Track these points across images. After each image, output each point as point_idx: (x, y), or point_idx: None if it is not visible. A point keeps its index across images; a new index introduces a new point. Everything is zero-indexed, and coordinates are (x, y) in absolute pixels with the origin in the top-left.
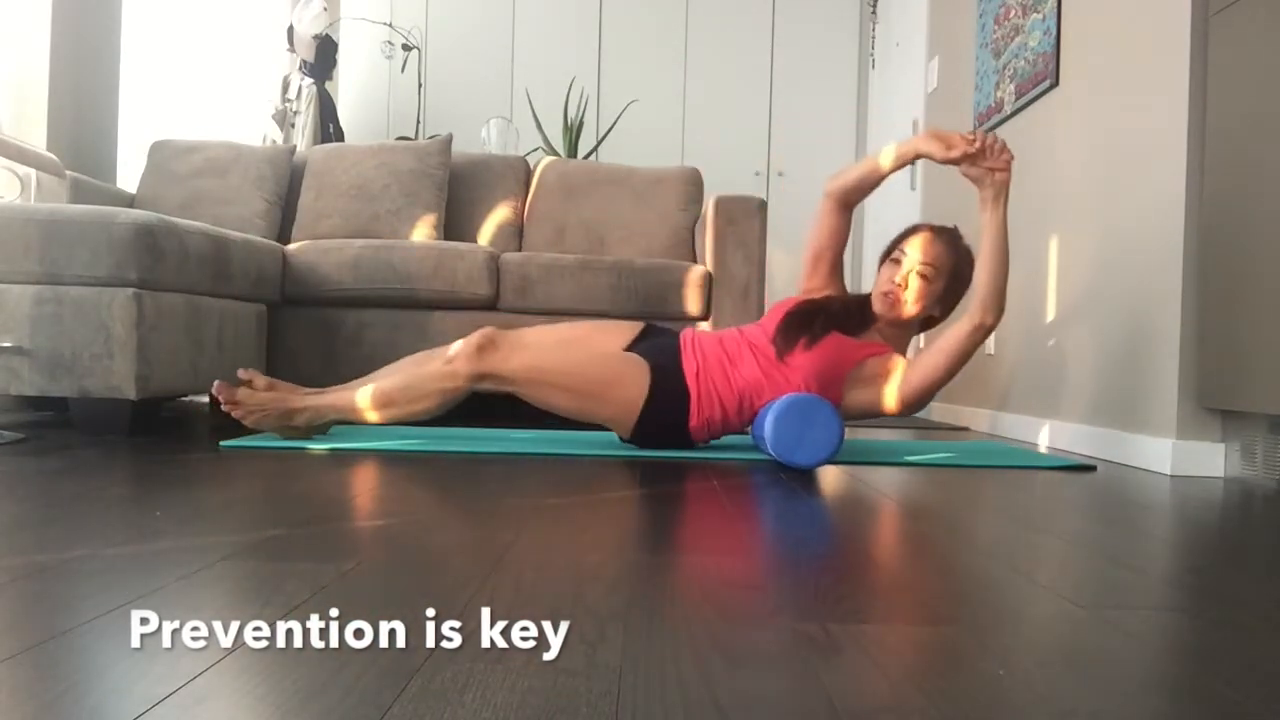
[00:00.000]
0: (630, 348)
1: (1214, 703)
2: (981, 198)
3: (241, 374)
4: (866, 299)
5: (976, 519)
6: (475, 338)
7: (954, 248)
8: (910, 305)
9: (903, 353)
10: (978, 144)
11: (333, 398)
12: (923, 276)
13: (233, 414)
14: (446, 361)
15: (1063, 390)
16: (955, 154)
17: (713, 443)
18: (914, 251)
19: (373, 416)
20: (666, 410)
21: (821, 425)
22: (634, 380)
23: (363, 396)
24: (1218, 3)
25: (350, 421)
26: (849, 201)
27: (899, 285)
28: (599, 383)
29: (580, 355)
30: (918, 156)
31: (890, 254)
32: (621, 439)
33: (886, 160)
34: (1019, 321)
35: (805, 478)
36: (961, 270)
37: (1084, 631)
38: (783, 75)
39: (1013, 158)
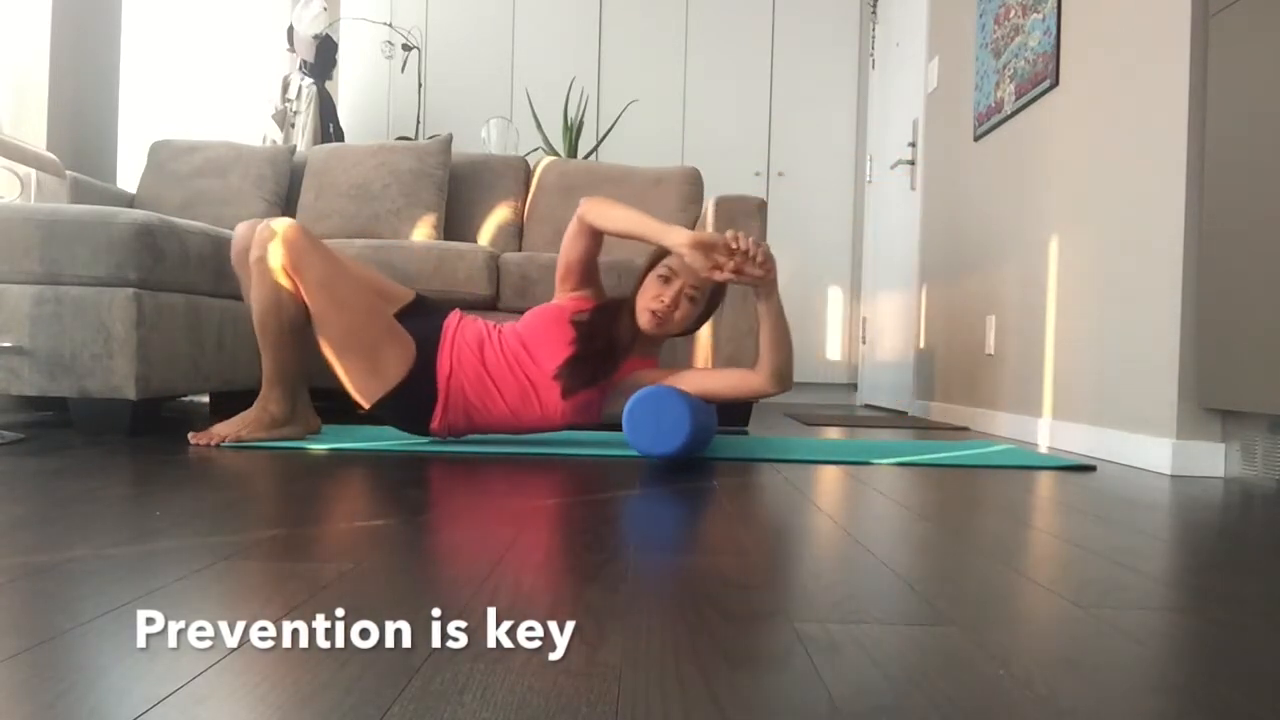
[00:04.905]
0: (400, 315)
1: (1214, 703)
2: (755, 293)
3: (195, 438)
4: (632, 315)
5: (976, 519)
6: (266, 234)
7: None
8: (676, 325)
9: (656, 357)
10: (738, 246)
11: (265, 371)
12: (691, 299)
13: (223, 444)
14: (257, 262)
15: (1063, 390)
16: (720, 276)
17: (710, 443)
18: (683, 272)
19: (268, 341)
20: (412, 403)
21: (670, 413)
22: (396, 359)
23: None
24: (1218, 3)
25: (285, 364)
26: (604, 233)
27: (669, 306)
28: (367, 345)
29: (363, 305)
30: (672, 253)
31: (656, 267)
32: (357, 405)
33: (651, 232)
34: (1019, 321)
35: (805, 477)
36: (718, 292)
37: (1084, 631)
38: (783, 75)
39: (773, 262)
